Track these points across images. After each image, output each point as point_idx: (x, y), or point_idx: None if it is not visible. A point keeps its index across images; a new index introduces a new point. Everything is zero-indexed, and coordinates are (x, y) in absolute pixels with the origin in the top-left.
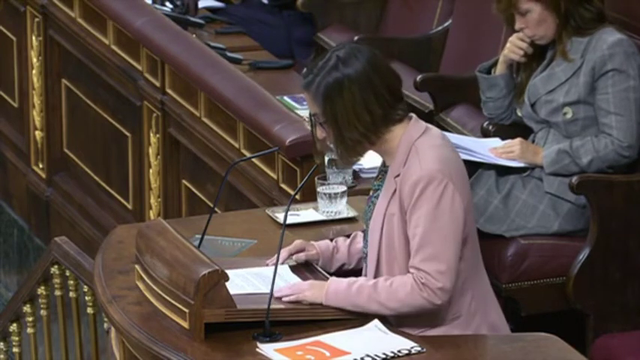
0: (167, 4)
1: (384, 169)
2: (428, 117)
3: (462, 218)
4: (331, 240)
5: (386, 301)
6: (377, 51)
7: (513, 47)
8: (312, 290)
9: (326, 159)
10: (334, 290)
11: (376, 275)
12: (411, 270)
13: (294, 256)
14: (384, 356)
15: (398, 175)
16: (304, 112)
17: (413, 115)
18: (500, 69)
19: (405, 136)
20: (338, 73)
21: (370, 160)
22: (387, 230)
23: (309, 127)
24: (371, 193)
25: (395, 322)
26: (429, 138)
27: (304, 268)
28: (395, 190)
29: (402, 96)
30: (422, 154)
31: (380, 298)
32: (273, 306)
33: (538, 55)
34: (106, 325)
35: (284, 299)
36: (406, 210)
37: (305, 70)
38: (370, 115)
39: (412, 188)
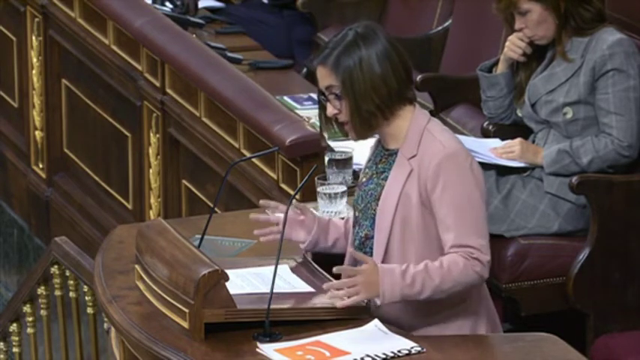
0: (167, 4)
1: (386, 152)
2: None
3: (486, 193)
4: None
5: (440, 284)
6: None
7: (512, 46)
8: (367, 292)
9: (326, 159)
10: (390, 283)
11: (385, 257)
12: (454, 249)
13: (291, 207)
14: (384, 356)
15: (413, 157)
16: (304, 112)
17: (416, 103)
18: (501, 68)
19: (415, 120)
20: (357, 47)
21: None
22: (402, 211)
23: (317, 108)
24: (366, 178)
25: (403, 311)
26: (437, 124)
27: (304, 268)
28: (411, 171)
29: (413, 79)
30: (438, 135)
31: (434, 283)
32: (273, 306)
33: (538, 55)
34: (106, 325)
35: (336, 296)
36: (429, 190)
37: (320, 49)
38: (387, 88)
39: (439, 167)
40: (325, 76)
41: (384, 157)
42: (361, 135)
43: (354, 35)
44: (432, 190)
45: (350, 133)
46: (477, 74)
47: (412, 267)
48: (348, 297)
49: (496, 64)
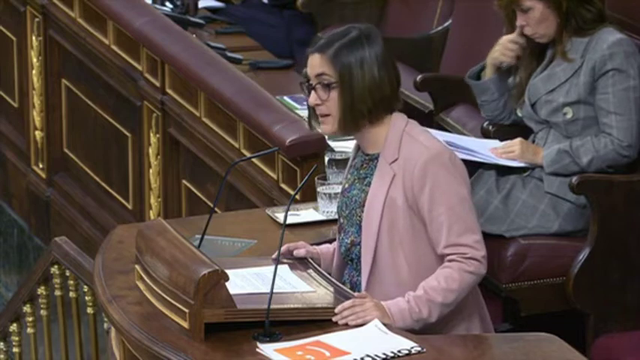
0: (167, 4)
1: (367, 157)
2: (428, 117)
3: (470, 186)
4: (329, 242)
5: (444, 300)
6: None
7: (504, 50)
8: (377, 311)
9: (326, 159)
10: (398, 310)
11: (373, 263)
12: (448, 248)
13: (294, 252)
14: (384, 356)
15: (395, 161)
16: (304, 112)
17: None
18: (488, 73)
19: (393, 125)
20: (361, 46)
21: None
22: (389, 215)
23: (306, 92)
24: (348, 184)
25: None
26: (415, 125)
27: (303, 268)
28: (394, 176)
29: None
30: (418, 137)
31: (437, 300)
32: (273, 306)
33: (538, 54)
34: (106, 325)
35: (345, 320)
36: (416, 192)
37: (317, 39)
38: (380, 94)
39: (424, 169)
40: (320, 64)
41: (364, 162)
42: (344, 132)
43: (359, 33)
44: (420, 192)
45: (328, 126)
46: None
47: (411, 293)
48: (358, 317)
49: (484, 68)
